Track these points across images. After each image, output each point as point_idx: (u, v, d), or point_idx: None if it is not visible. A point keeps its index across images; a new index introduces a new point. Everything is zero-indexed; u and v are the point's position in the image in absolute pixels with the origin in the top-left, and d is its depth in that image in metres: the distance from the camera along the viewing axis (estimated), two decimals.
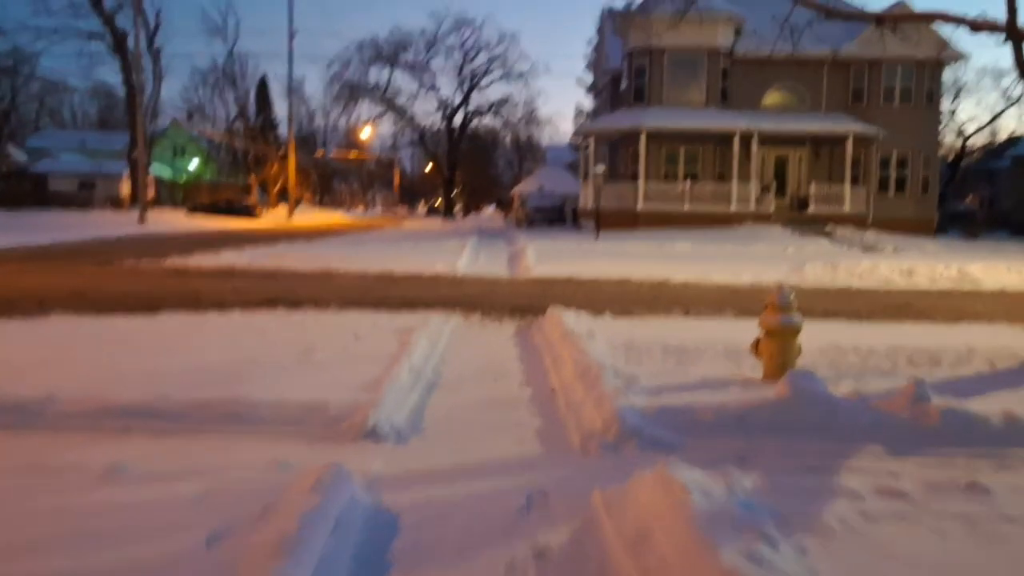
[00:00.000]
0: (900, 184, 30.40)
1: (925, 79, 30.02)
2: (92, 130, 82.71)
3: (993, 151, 53.70)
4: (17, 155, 68.62)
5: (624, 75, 30.85)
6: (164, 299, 10.74)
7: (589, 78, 67.94)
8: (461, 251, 20.30)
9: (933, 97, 30.53)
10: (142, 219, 35.99)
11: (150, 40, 47.59)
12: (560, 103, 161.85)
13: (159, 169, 71.09)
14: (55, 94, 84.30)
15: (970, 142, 52.49)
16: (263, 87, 78.61)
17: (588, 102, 70.45)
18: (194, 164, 74.35)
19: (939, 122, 31.74)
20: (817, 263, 17.03)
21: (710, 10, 28.87)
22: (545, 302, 11.49)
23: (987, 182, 49.12)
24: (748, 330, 9.13)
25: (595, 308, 10.90)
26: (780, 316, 5.99)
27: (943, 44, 29.49)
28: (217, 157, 76.49)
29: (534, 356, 7.51)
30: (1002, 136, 55.43)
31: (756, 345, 6.17)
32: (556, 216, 42.17)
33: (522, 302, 11.46)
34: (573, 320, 8.60)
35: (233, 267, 15.66)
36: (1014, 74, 24.21)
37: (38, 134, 79.59)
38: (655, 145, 28.84)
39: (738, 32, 29.49)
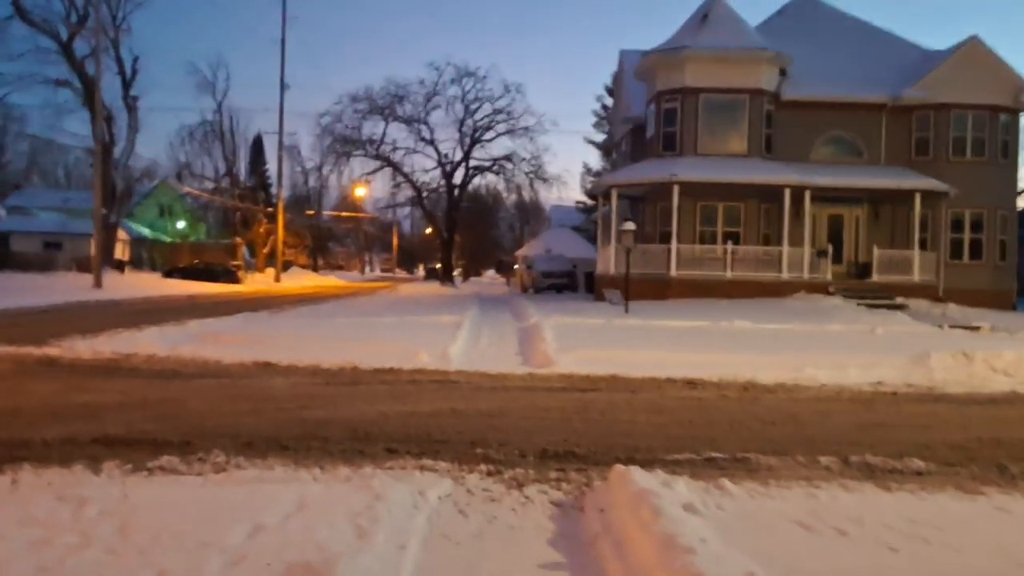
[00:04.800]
0: (974, 249, 25.97)
1: (999, 128, 25.83)
2: (85, 190, 78.86)
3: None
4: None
5: (651, 122, 26.71)
6: None
7: (598, 136, 64.43)
8: (457, 327, 15.72)
9: (1009, 149, 26.30)
10: (97, 283, 31.57)
11: (126, 90, 43.95)
12: (565, 163, 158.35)
13: (140, 229, 67.08)
14: (48, 153, 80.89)
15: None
16: (258, 145, 75.08)
17: (596, 161, 66.78)
18: (180, 225, 70.26)
19: (1017, 178, 27.43)
20: (943, 352, 12.45)
21: (751, 48, 24.93)
22: (590, 431, 6.97)
23: None
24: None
25: (682, 448, 6.35)
26: None
27: (1022, 87, 25.45)
28: (205, 217, 72.43)
29: None
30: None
31: None
32: (566, 282, 37.73)
33: (554, 433, 6.88)
34: (682, 520, 4.02)
35: (132, 357, 11.09)
36: None
37: (19, 192, 75.84)
38: (688, 201, 24.50)
39: (783, 73, 25.42)
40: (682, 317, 18.46)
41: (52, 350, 11.50)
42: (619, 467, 5.14)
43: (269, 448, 6.03)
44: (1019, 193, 40.34)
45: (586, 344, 13.20)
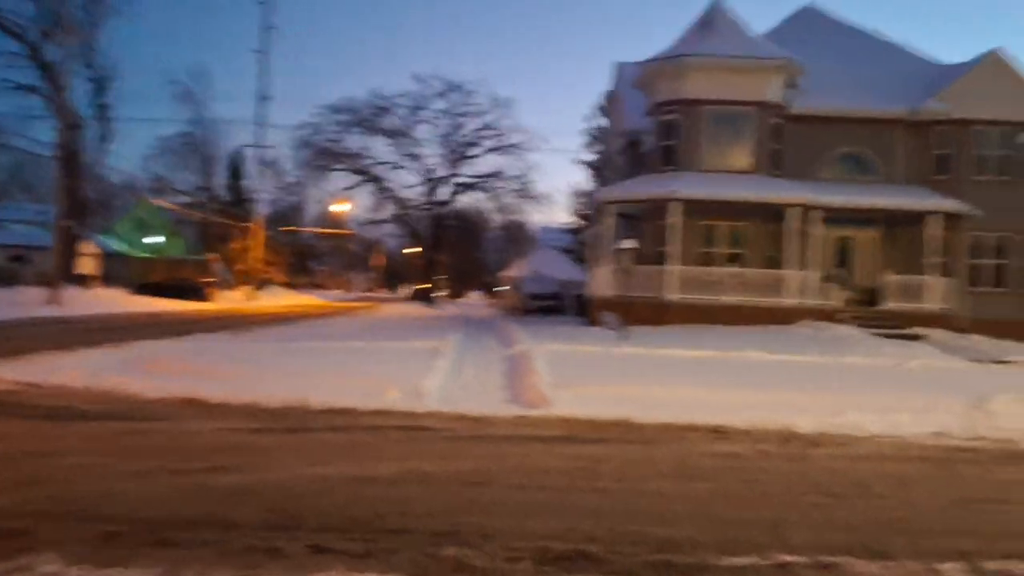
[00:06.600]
0: (998, 275, 24.20)
1: None
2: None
3: None
4: None
5: (649, 135, 24.96)
6: None
7: (587, 156, 62.74)
8: (435, 355, 13.76)
9: None
10: (53, 298, 29.42)
11: (98, 98, 41.90)
12: (552, 183, 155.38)
13: (116, 244, 64.80)
14: (33, 167, 78.61)
15: None
16: (237, 158, 73.13)
17: (585, 181, 65.07)
18: (156, 240, 67.97)
19: None
20: (1005, 396, 10.61)
21: (759, 56, 23.27)
22: (604, 510, 4.99)
23: None
24: None
25: (738, 544, 4.42)
26: None
27: None
28: (183, 232, 70.23)
29: None
30: None
31: None
32: (555, 304, 35.91)
33: (557, 515, 4.95)
34: None
35: (33, 389, 9.10)
36: None
37: None
38: (689, 220, 22.64)
39: (793, 84, 23.73)
40: (686, 345, 16.58)
41: None
42: None
43: (139, 543, 4.08)
44: None
45: (585, 378, 11.31)
